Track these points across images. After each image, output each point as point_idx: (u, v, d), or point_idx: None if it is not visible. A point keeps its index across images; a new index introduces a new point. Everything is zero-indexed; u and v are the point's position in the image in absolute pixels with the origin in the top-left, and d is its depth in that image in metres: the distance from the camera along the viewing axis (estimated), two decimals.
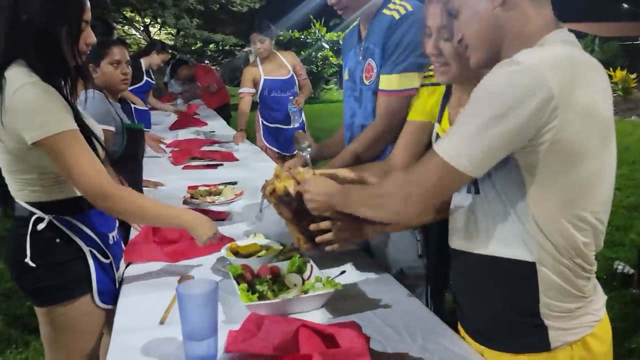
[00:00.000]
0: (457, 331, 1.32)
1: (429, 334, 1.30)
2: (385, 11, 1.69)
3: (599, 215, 1.07)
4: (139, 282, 1.64)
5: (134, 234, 2.01)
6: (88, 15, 1.49)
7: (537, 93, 0.94)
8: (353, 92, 1.91)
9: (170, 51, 6.12)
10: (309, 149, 1.85)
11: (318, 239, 1.48)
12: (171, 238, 1.83)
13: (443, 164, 1.03)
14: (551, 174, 1.02)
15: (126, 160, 2.48)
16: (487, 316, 1.19)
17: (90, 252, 1.55)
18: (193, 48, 15.65)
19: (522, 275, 1.09)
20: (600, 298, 1.17)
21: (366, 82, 1.79)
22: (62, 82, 1.49)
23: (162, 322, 1.37)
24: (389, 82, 1.68)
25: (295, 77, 4.36)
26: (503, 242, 1.10)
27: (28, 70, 1.40)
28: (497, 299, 1.15)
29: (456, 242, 1.23)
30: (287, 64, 4.31)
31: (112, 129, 2.36)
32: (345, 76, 1.98)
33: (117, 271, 1.68)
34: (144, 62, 5.11)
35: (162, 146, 3.63)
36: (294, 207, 1.52)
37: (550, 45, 1.04)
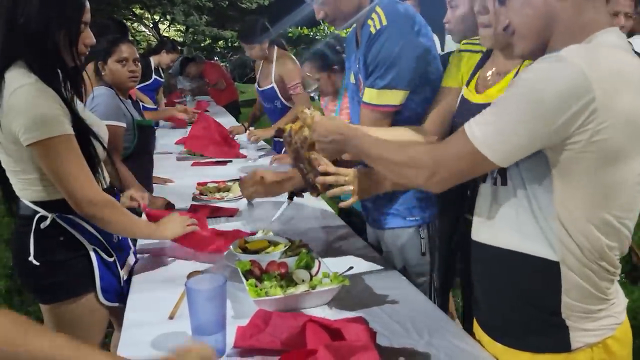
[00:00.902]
0: (466, 328, 1.32)
1: (435, 329, 1.31)
2: (369, 21, 1.68)
3: (624, 221, 1.05)
4: (148, 278, 1.66)
5: None
6: (87, 17, 1.49)
7: (579, 94, 0.93)
8: (357, 96, 1.91)
9: (180, 49, 6.14)
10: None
11: (319, 179, 1.50)
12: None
13: (475, 152, 1.02)
14: (579, 174, 1.00)
15: (137, 157, 2.51)
16: (506, 312, 1.17)
17: (94, 250, 1.57)
18: (202, 45, 15.66)
19: (545, 273, 1.08)
20: (622, 301, 1.15)
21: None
22: (62, 83, 1.48)
23: (171, 317, 1.39)
24: (370, 95, 1.69)
25: (277, 89, 3.66)
26: (527, 238, 1.09)
27: (27, 72, 1.40)
28: (518, 296, 1.14)
29: (480, 234, 1.21)
30: (272, 73, 3.68)
31: (123, 124, 2.39)
32: (351, 79, 1.97)
33: (122, 269, 1.69)
34: (153, 60, 5.14)
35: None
36: (293, 148, 1.57)
37: (599, 44, 1.00)
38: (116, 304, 1.62)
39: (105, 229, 1.56)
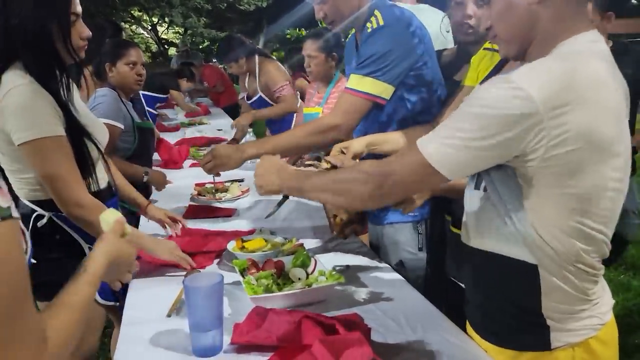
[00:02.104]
0: (458, 324, 1.34)
1: (429, 325, 1.33)
2: (367, 24, 1.72)
3: (599, 227, 1.06)
4: (147, 276, 1.68)
5: (143, 226, 2.06)
6: (77, 9, 1.48)
7: (524, 117, 0.95)
8: None
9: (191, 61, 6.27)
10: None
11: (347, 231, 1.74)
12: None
13: (425, 164, 1.06)
14: (546, 186, 1.02)
15: (137, 158, 2.54)
16: (492, 312, 1.20)
17: (90, 248, 1.58)
18: (201, 47, 15.69)
19: (525, 275, 1.09)
20: (607, 301, 1.15)
21: None
22: (59, 82, 1.48)
23: (169, 315, 1.41)
24: (352, 81, 1.73)
25: (265, 97, 3.71)
26: (508, 241, 1.11)
27: (23, 73, 1.42)
28: (502, 296, 1.16)
29: (467, 238, 1.23)
30: (257, 83, 3.72)
31: (121, 126, 2.43)
32: None
33: None
34: None
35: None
36: None
37: (559, 56, 1.02)
38: (112, 303, 1.64)
39: (91, 232, 1.55)
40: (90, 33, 1.53)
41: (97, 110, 2.29)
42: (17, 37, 1.40)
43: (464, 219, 1.26)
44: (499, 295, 1.17)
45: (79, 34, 1.49)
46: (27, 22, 1.39)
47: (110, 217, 1.13)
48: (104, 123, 2.02)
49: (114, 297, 1.64)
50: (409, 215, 1.78)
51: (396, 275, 1.65)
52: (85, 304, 0.87)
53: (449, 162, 1.04)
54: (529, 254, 1.08)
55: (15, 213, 0.66)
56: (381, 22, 1.69)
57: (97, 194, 1.58)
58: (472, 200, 1.19)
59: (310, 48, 2.97)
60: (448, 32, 1.98)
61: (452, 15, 1.82)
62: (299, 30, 15.55)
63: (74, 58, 1.49)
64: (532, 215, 1.05)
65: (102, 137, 1.70)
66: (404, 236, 1.82)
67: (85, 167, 1.54)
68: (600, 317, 1.12)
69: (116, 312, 1.66)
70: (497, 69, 1.46)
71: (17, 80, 1.40)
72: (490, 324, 1.21)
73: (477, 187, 1.16)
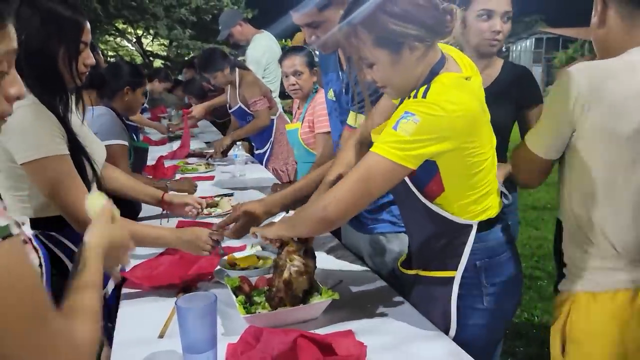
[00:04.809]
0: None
1: (424, 341, 1.33)
2: None
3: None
4: (137, 296, 1.65)
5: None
6: (87, 37, 1.51)
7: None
8: (340, 116, 1.95)
9: (171, 78, 6.27)
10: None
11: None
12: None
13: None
14: None
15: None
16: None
17: None
18: (186, 58, 15.70)
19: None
20: None
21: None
22: (59, 102, 1.50)
23: (161, 336, 1.39)
24: (353, 120, 1.76)
25: (244, 107, 3.83)
26: None
27: (26, 92, 1.42)
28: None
29: None
30: (237, 94, 3.86)
31: (126, 143, 2.51)
32: (330, 96, 2.01)
33: (104, 288, 1.67)
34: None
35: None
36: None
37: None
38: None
39: None
40: (95, 61, 1.57)
41: (103, 130, 2.37)
42: (21, 53, 1.40)
43: None
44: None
45: (84, 60, 1.53)
46: (32, 40, 1.40)
47: (96, 203, 1.12)
48: (116, 145, 2.09)
49: (102, 315, 1.61)
50: (400, 225, 1.78)
51: (390, 290, 1.63)
52: (98, 307, 0.92)
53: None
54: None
55: (15, 230, 0.67)
56: None
57: None
58: None
59: (298, 64, 2.89)
60: None
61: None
62: (285, 41, 15.62)
63: (76, 82, 1.52)
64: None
65: (100, 157, 1.70)
66: (397, 246, 1.82)
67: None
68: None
69: (104, 331, 1.62)
70: None
71: (20, 101, 1.39)
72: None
73: None
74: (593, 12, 1.39)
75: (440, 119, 1.19)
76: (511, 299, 1.43)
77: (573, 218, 1.39)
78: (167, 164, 3.53)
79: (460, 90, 1.25)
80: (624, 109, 1.25)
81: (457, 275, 1.36)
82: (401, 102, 1.33)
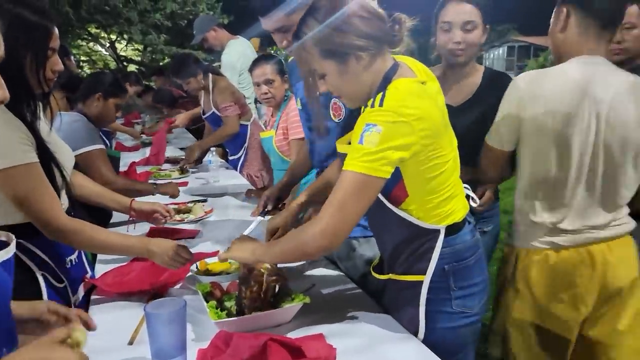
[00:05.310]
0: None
1: (394, 343, 1.34)
2: None
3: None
4: (107, 302, 1.64)
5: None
6: (55, 43, 1.48)
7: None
8: (308, 122, 1.98)
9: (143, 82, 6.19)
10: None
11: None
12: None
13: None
14: None
15: None
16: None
17: (42, 275, 1.53)
18: (161, 63, 15.56)
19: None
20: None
21: (335, 120, 1.83)
22: (26, 109, 1.46)
23: (131, 343, 1.38)
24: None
25: (218, 113, 3.77)
26: None
27: None
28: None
29: None
30: (210, 100, 3.81)
31: (102, 146, 2.49)
32: (298, 105, 2.03)
33: (74, 295, 1.65)
34: None
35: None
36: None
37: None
38: None
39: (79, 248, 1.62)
40: (63, 67, 1.53)
41: (82, 138, 2.38)
42: None
43: None
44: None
45: (52, 66, 1.50)
46: None
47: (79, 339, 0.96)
48: (95, 150, 2.26)
49: None
50: (370, 230, 1.80)
51: (362, 294, 1.65)
52: None
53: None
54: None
55: None
56: None
57: None
58: None
59: (269, 72, 2.88)
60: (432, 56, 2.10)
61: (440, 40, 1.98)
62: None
63: (43, 89, 1.49)
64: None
65: (69, 163, 1.67)
66: (368, 250, 1.84)
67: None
68: None
69: None
70: None
71: None
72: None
73: None
74: (553, 19, 1.63)
75: (400, 125, 1.22)
76: (479, 302, 1.45)
77: (519, 204, 1.70)
78: (140, 170, 3.51)
79: (416, 95, 1.27)
80: (554, 106, 1.52)
81: (426, 279, 1.38)
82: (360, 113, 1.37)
